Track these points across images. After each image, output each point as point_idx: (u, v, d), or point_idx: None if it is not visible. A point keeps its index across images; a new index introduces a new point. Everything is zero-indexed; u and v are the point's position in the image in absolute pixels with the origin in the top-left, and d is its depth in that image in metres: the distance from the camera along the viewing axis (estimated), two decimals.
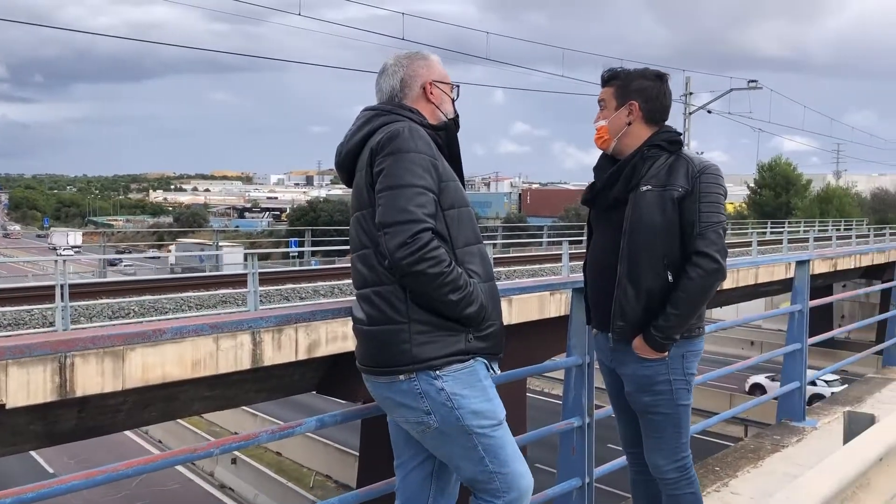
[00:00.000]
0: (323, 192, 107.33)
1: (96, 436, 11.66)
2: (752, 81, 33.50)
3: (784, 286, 22.24)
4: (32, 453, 23.74)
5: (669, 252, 2.77)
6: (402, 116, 2.39)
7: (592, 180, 3.03)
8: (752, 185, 54.97)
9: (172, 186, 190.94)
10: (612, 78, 2.93)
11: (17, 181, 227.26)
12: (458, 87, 2.60)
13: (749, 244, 25.60)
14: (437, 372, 2.27)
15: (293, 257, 30.10)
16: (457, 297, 2.23)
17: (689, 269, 2.74)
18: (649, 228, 2.76)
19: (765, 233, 35.91)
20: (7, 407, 8.53)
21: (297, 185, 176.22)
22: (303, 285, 13.73)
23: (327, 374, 12.65)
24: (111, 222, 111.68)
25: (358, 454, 18.59)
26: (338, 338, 11.34)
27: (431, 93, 2.51)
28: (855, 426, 3.61)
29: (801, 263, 5.51)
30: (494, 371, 2.43)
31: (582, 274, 3.13)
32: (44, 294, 10.52)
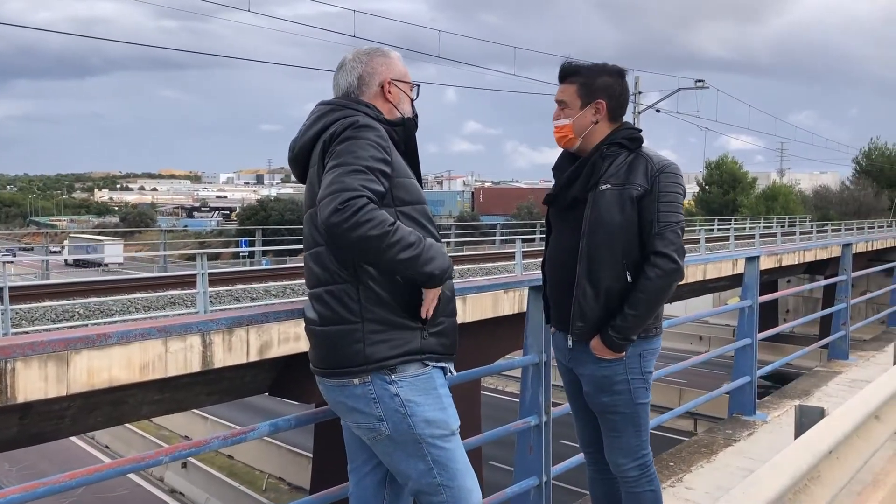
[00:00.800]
0: (273, 191, 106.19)
1: (40, 443, 11.31)
2: (700, 81, 34.11)
3: (731, 282, 22.67)
4: None
5: (628, 252, 2.75)
6: (357, 111, 2.33)
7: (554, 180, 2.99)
8: (700, 182, 56.02)
9: (119, 186, 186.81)
10: (573, 73, 2.86)
11: None
12: (418, 86, 2.55)
13: (697, 241, 26.03)
14: (393, 376, 2.22)
15: (244, 257, 29.70)
16: (411, 254, 2.12)
17: (647, 269, 2.73)
18: (608, 228, 2.74)
19: (712, 230, 36.59)
20: None
21: (247, 183, 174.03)
22: (254, 286, 13.53)
23: (280, 376, 12.48)
24: (54, 222, 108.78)
25: (312, 456, 18.40)
26: (290, 339, 11.18)
27: (389, 91, 2.45)
28: (806, 419, 3.67)
29: (751, 260, 5.59)
30: (451, 372, 2.39)
31: (540, 272, 3.11)
32: None
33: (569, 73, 2.87)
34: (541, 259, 3.07)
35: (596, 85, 2.82)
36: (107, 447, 25.46)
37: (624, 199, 2.74)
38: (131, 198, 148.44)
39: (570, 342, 2.87)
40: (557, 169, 2.97)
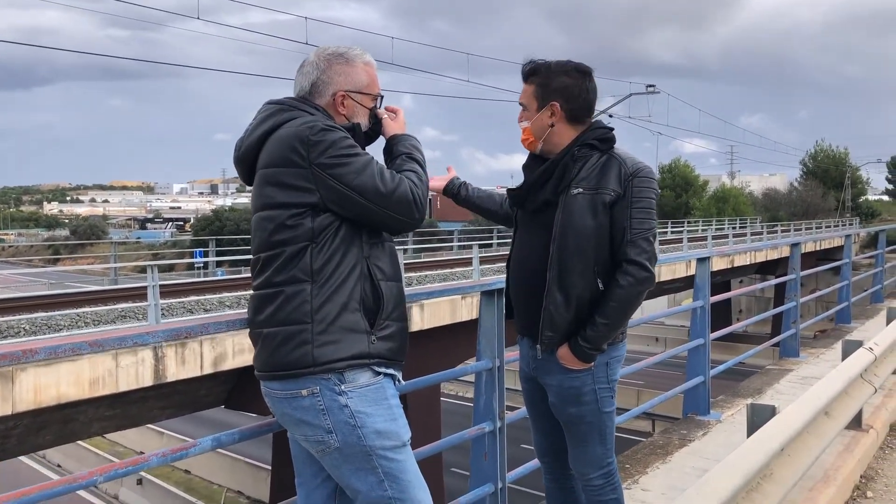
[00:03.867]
0: (228, 201, 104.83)
1: None
2: (650, 86, 34.58)
3: (685, 283, 22.99)
4: None
5: (600, 258, 2.67)
6: (306, 113, 2.27)
7: (519, 182, 2.90)
8: None
9: (68, 198, 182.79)
10: (532, 73, 2.77)
11: None
12: (381, 96, 2.47)
13: None
14: (343, 387, 2.16)
15: (198, 268, 29.20)
16: (427, 180, 2.34)
17: (619, 276, 2.65)
18: (580, 233, 2.65)
19: (666, 232, 37.11)
20: None
21: (201, 193, 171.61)
22: (208, 297, 13.30)
23: (236, 388, 12.27)
24: (2, 237, 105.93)
25: (270, 468, 18.15)
26: (245, 349, 10.99)
27: (343, 104, 2.36)
28: (758, 418, 3.70)
29: (702, 261, 5.64)
30: (399, 381, 2.34)
31: (504, 276, 3.00)
32: None
33: (529, 73, 2.78)
34: (500, 263, 3.00)
35: (552, 86, 2.73)
36: (59, 465, 24.83)
37: (596, 203, 2.66)
38: (82, 210, 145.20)
39: (538, 353, 2.78)
40: (527, 168, 2.87)
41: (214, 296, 13.47)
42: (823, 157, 66.49)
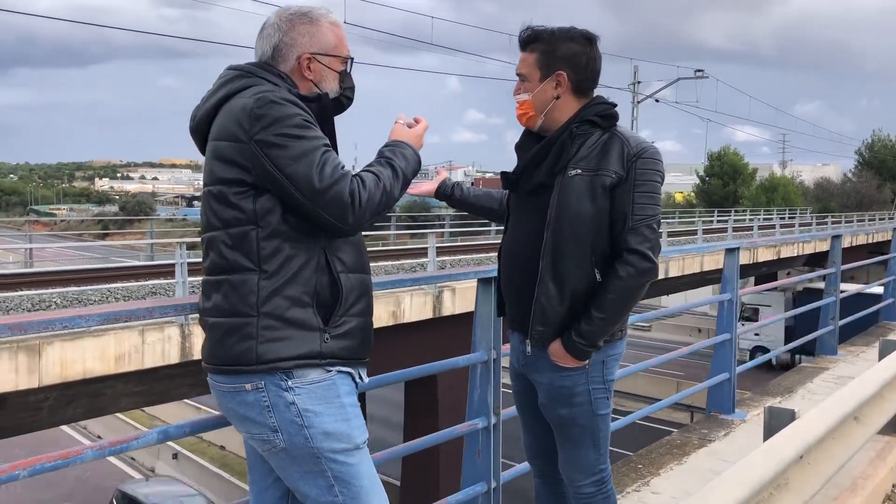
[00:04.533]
0: None
1: (18, 434, 11.13)
2: (699, 71, 33.78)
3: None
4: None
5: (598, 246, 2.44)
6: (266, 81, 2.06)
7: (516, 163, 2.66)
8: (700, 174, 55.71)
9: (119, 175, 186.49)
10: (533, 40, 2.51)
11: None
12: (350, 59, 2.23)
13: (695, 233, 25.77)
14: (290, 382, 1.97)
15: None
16: (401, 181, 2.10)
17: (618, 267, 2.42)
18: (577, 218, 2.42)
19: (711, 221, 36.32)
20: None
21: None
22: None
23: None
24: (54, 211, 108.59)
25: None
26: None
27: (309, 68, 2.15)
28: (775, 422, 3.45)
29: (731, 251, 5.35)
30: (362, 379, 2.14)
31: (497, 264, 2.78)
32: None
33: (528, 40, 2.51)
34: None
35: (557, 53, 2.47)
36: (98, 437, 25.35)
37: (595, 186, 2.42)
38: (131, 187, 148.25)
39: (528, 348, 2.57)
40: (520, 148, 2.61)
41: None
42: (881, 147, 64.38)
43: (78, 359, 9.21)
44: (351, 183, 1.97)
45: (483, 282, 3.14)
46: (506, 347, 2.98)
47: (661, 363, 5.31)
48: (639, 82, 33.59)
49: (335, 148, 2.14)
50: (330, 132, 2.13)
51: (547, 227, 2.46)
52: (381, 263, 16.32)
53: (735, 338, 5.29)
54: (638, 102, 33.58)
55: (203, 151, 2.12)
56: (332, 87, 2.19)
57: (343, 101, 2.24)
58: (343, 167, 1.99)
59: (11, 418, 10.13)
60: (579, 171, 2.44)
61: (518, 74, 2.55)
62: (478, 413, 3.18)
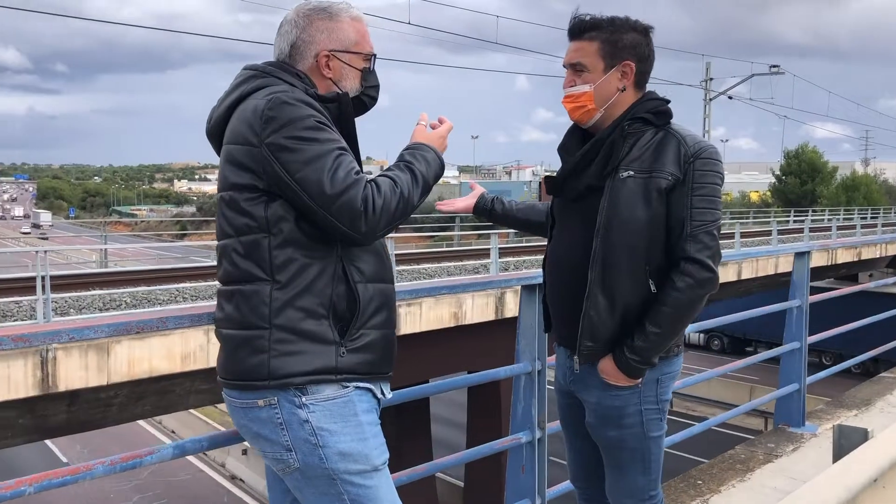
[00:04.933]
0: None
1: (89, 430, 11.45)
2: (774, 67, 32.66)
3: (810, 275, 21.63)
4: (48, 442, 23.86)
5: (653, 255, 2.26)
6: (281, 81, 1.97)
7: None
8: (776, 173, 53.99)
9: (197, 176, 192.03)
10: (593, 28, 2.31)
11: (45, 171, 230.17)
12: (373, 56, 2.12)
13: (769, 234, 24.93)
14: (304, 399, 1.88)
15: None
16: (420, 187, 1.97)
17: (675, 277, 2.23)
18: (630, 225, 2.24)
19: (787, 221, 35.10)
20: None
21: None
22: None
23: None
24: (135, 212, 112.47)
25: None
26: None
27: (328, 66, 2.05)
28: (845, 441, 3.21)
29: (801, 255, 5.06)
30: (384, 395, 2.03)
31: (541, 273, 2.61)
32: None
33: (587, 27, 2.31)
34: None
35: (623, 42, 2.29)
36: (173, 432, 26.04)
37: (650, 189, 2.24)
38: (209, 188, 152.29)
39: (575, 364, 2.39)
40: (564, 149, 2.42)
41: None
42: None
43: (145, 357, 9.42)
44: (365, 188, 1.86)
45: (527, 289, 3.01)
46: (550, 359, 2.84)
47: (731, 370, 5.07)
48: (711, 79, 32.70)
49: (356, 151, 2.04)
50: (350, 134, 2.03)
51: (596, 235, 2.27)
52: (444, 264, 16.27)
53: (805, 346, 5.01)
54: (710, 100, 32.70)
55: (220, 155, 2.03)
56: (352, 85, 2.09)
57: (365, 100, 2.13)
58: (357, 172, 1.88)
59: (84, 413, 10.44)
60: (631, 172, 2.26)
61: (572, 64, 2.34)
62: (521, 427, 3.05)
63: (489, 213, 2.75)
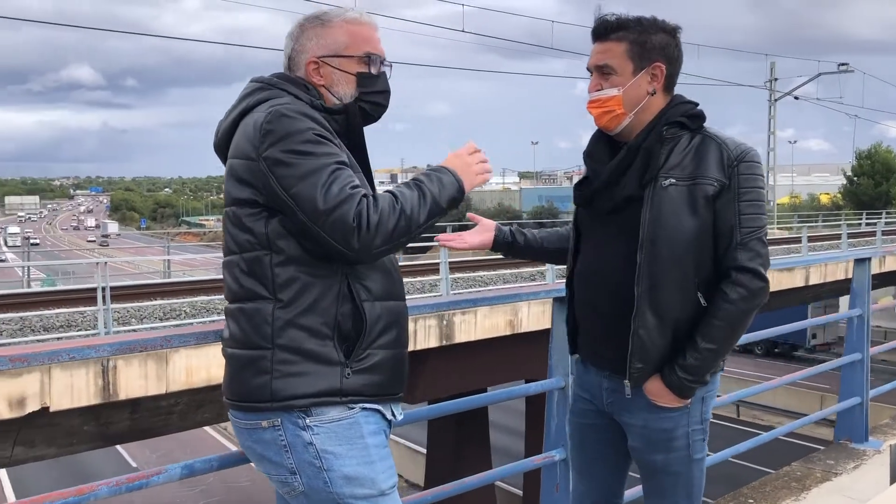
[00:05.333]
0: None
1: (151, 437, 11.77)
2: (843, 65, 31.60)
3: (882, 280, 20.83)
4: (118, 448, 24.55)
5: (702, 267, 2.15)
6: (286, 93, 1.92)
7: (585, 174, 2.34)
8: (849, 173, 52.20)
9: None
10: (620, 28, 2.18)
11: (118, 184, 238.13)
12: (377, 58, 2.00)
13: (839, 237, 24.09)
14: (308, 420, 1.83)
15: None
16: (428, 207, 1.85)
17: (727, 289, 2.13)
18: (678, 236, 2.12)
19: (859, 224, 33.86)
20: (51, 410, 8.58)
21: (381, 182, 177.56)
22: None
23: None
24: (203, 222, 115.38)
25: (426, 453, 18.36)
26: None
27: (319, 73, 1.99)
28: None
29: (861, 262, 4.82)
30: (394, 416, 1.97)
31: (565, 290, 2.45)
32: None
33: (614, 27, 2.18)
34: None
35: (652, 43, 2.17)
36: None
37: (695, 197, 2.12)
38: None
39: (627, 389, 2.24)
40: (592, 157, 2.29)
41: None
42: None
43: (203, 366, 9.57)
44: (359, 203, 1.77)
45: (559, 301, 2.91)
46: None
47: (801, 378, 4.86)
48: (776, 79, 31.81)
49: (366, 163, 1.99)
50: (359, 145, 1.98)
51: (640, 248, 2.14)
52: (500, 272, 16.17)
53: (867, 358, 4.77)
54: (775, 100, 31.81)
55: None
56: (346, 91, 2.00)
57: (365, 107, 2.02)
58: (354, 187, 1.80)
59: (145, 421, 10.68)
60: (673, 180, 2.13)
61: (599, 67, 2.21)
62: (555, 444, 2.96)
63: (510, 246, 2.54)
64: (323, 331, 1.84)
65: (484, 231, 2.50)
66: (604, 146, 2.30)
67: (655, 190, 2.14)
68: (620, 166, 2.20)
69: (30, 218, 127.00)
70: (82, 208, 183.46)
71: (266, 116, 1.83)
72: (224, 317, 1.96)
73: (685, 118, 2.19)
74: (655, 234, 2.13)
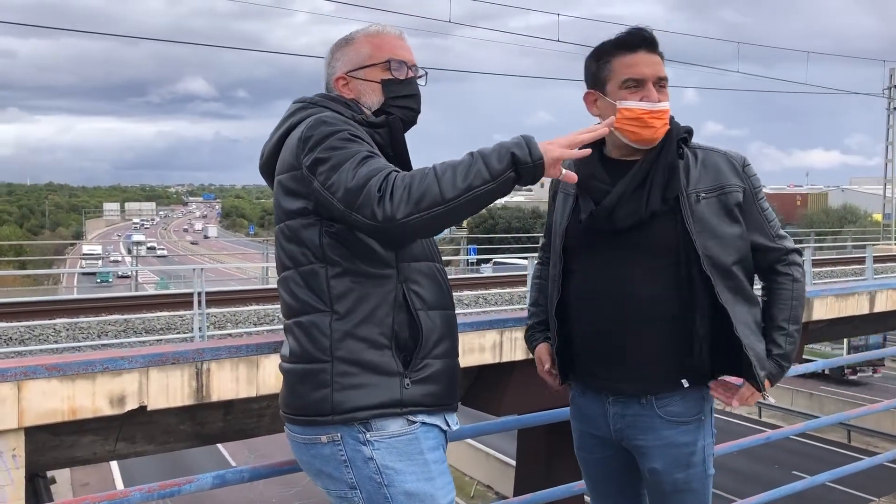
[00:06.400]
0: (502, 199, 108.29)
1: (243, 438, 12.11)
2: None
3: None
4: (219, 446, 25.48)
5: (749, 268, 2.24)
6: (328, 109, 1.96)
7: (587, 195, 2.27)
8: None
9: None
10: (656, 42, 2.21)
11: (229, 191, 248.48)
12: (397, 64, 2.02)
13: None
14: (368, 435, 1.84)
15: (471, 265, 30.25)
16: (452, 179, 1.70)
17: (789, 271, 2.26)
18: (729, 243, 2.17)
19: None
20: (148, 409, 8.97)
21: None
22: (465, 293, 13.62)
23: (472, 386, 12.40)
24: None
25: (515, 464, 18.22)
26: (475, 350, 11.05)
27: (347, 88, 2.05)
28: None
29: None
30: (449, 427, 1.96)
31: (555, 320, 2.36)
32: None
33: (655, 41, 2.20)
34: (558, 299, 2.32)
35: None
36: None
37: (728, 205, 2.19)
38: None
39: (656, 410, 2.20)
40: (593, 178, 2.21)
41: (472, 292, 13.69)
42: None
43: None
44: (388, 176, 1.72)
45: None
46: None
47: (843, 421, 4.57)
48: (895, 86, 30.12)
49: (408, 167, 1.98)
50: (401, 157, 1.98)
51: (687, 263, 2.14)
52: None
53: None
54: (894, 109, 30.11)
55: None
56: (373, 99, 2.03)
57: (395, 111, 2.02)
58: (385, 167, 1.76)
59: (238, 423, 11.05)
60: (701, 193, 2.17)
61: (662, 78, 2.20)
62: None
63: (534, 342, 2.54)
64: (381, 341, 1.86)
65: (545, 364, 2.49)
66: (600, 165, 2.24)
67: (689, 205, 2.15)
68: (636, 182, 2.17)
69: (143, 225, 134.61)
70: (197, 213, 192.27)
71: (306, 126, 1.87)
72: (284, 333, 1.99)
73: (687, 133, 2.22)
74: (710, 248, 2.14)
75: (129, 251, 57.24)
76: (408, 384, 1.86)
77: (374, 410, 1.84)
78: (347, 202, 1.73)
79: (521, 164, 1.71)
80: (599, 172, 2.25)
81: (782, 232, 2.29)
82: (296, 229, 1.89)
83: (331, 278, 1.86)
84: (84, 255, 35.43)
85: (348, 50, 2.07)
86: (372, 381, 1.84)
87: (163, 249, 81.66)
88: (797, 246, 2.31)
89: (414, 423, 1.88)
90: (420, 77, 2.10)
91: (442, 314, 1.96)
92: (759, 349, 2.20)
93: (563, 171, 1.82)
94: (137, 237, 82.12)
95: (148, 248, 72.28)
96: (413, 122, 2.08)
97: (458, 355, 2.00)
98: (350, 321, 1.85)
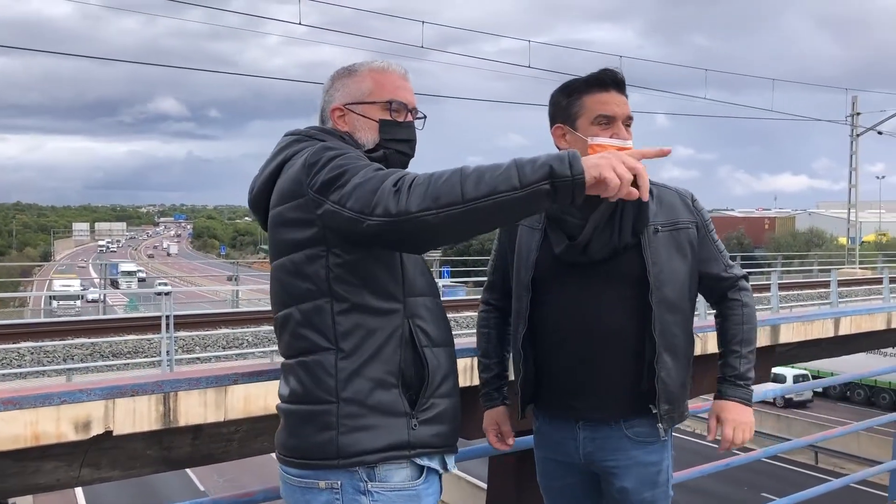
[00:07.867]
0: None
1: (211, 463, 11.91)
2: None
3: None
4: (188, 472, 25.09)
5: (693, 302, 2.36)
6: (323, 140, 1.90)
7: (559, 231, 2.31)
8: None
9: None
10: (625, 84, 2.27)
11: (201, 212, 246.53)
12: (395, 105, 1.97)
13: None
14: (369, 485, 1.77)
15: (443, 287, 30.21)
16: (476, 181, 1.58)
17: (738, 297, 2.38)
18: (678, 278, 2.27)
19: None
20: (114, 434, 8.86)
21: None
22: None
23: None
24: None
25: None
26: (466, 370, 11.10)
27: (343, 120, 1.98)
28: None
29: None
30: (446, 469, 1.92)
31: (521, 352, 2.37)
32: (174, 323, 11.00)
33: (625, 84, 2.27)
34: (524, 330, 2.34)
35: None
36: None
37: (681, 241, 2.29)
38: None
39: (661, 433, 2.27)
40: (564, 212, 2.25)
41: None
42: None
43: (261, 395, 9.72)
44: (405, 175, 1.66)
45: None
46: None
47: (867, 426, 4.65)
48: (858, 113, 30.83)
49: None
50: None
51: (650, 293, 2.22)
52: None
53: None
54: (857, 135, 30.80)
55: (265, 226, 1.95)
56: (368, 137, 1.97)
57: (386, 153, 1.96)
58: (404, 171, 1.71)
59: (206, 447, 10.92)
60: (657, 227, 2.26)
61: (629, 118, 2.26)
62: None
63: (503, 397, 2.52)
64: (388, 380, 1.80)
65: (502, 427, 2.49)
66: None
67: (649, 237, 2.24)
68: (607, 215, 2.24)
69: (109, 248, 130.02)
70: (172, 233, 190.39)
71: (310, 153, 1.80)
72: (281, 372, 1.92)
73: None
74: (660, 279, 2.23)
75: (116, 285, 47.68)
76: (415, 425, 1.80)
77: (382, 454, 1.77)
78: (362, 206, 1.64)
79: (558, 178, 1.57)
80: (568, 207, 2.26)
81: (730, 261, 2.40)
82: (299, 263, 1.81)
83: (337, 314, 1.79)
84: (55, 293, 31.00)
85: (349, 81, 2.01)
86: (379, 422, 1.77)
87: (142, 272, 71.82)
88: (745, 272, 2.43)
89: (419, 469, 1.82)
90: (418, 119, 2.05)
91: (445, 350, 1.90)
92: (676, 384, 2.25)
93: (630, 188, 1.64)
94: (126, 266, 68.00)
95: (140, 281, 61.10)
96: (405, 166, 2.01)
97: (459, 393, 1.93)
98: (356, 359, 1.78)
